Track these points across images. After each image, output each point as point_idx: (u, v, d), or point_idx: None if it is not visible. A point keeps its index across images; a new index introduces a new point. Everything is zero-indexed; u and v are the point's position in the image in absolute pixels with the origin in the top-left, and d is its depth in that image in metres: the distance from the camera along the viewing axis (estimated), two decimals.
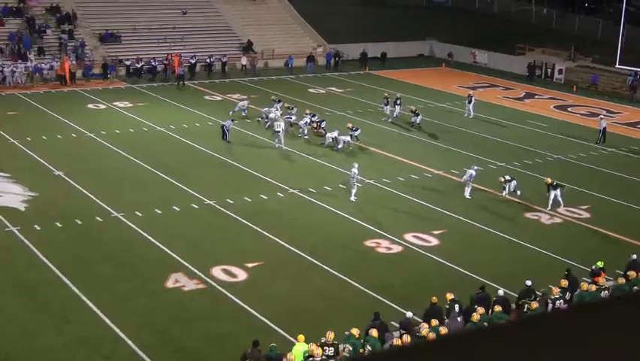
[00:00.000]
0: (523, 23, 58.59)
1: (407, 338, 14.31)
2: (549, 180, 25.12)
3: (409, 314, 15.84)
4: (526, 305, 16.17)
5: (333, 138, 31.26)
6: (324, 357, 13.83)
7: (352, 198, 24.79)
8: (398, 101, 36.35)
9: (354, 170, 24.94)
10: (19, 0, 48.09)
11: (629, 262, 18.66)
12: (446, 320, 15.65)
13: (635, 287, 17.01)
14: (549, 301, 16.27)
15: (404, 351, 2.57)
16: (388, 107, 36.29)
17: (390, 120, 36.04)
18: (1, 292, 18.01)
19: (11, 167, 27.52)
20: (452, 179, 27.84)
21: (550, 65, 50.35)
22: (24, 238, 21.13)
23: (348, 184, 25.17)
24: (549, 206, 24.68)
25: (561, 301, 16.31)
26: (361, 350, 14.09)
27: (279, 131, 30.76)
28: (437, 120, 36.81)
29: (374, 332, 14.45)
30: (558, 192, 24.75)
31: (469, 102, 37.77)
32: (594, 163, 30.81)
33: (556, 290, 16.53)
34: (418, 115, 34.96)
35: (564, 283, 16.93)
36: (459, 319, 15.69)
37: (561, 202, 24.77)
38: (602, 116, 34.86)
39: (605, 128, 33.55)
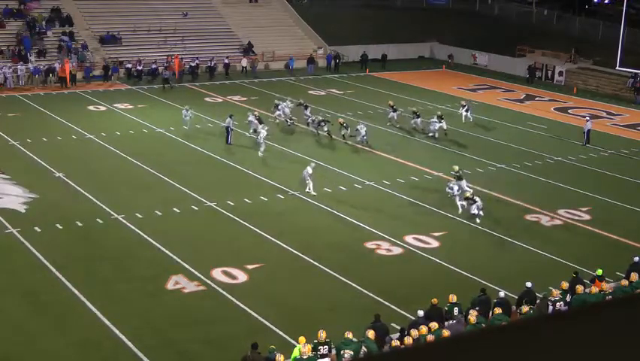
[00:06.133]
0: (523, 25, 58.59)
1: (408, 340, 14.28)
2: (456, 168, 25.61)
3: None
4: (518, 310, 16.15)
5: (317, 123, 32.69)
6: (311, 355, 13.79)
7: (312, 192, 25.25)
8: (394, 107, 36.10)
9: (309, 169, 25.39)
10: (20, 2, 48.16)
11: (631, 264, 18.66)
12: (450, 322, 15.62)
13: (638, 290, 16.98)
14: (549, 303, 16.26)
15: (402, 353, 2.57)
16: (395, 113, 35.73)
17: (388, 124, 35.72)
18: (1, 293, 18.00)
19: (12, 168, 27.53)
20: (452, 181, 27.81)
21: (551, 67, 50.37)
22: (24, 240, 21.13)
23: (302, 182, 25.52)
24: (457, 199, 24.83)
25: (561, 303, 16.30)
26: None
27: (260, 141, 29.86)
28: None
29: (370, 333, 14.41)
30: (463, 183, 24.95)
31: (466, 110, 36.61)
32: (594, 165, 30.79)
33: (556, 292, 16.52)
34: (418, 117, 34.88)
35: (565, 285, 16.91)
36: (463, 321, 15.66)
37: (467, 189, 24.76)
38: (587, 118, 34.88)
39: (589, 130, 33.56)
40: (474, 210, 23.37)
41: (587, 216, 24.61)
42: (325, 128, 32.95)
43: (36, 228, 22.01)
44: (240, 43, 51.62)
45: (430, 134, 33.84)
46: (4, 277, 18.95)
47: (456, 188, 24.39)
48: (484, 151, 31.96)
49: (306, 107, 34.94)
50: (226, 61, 47.94)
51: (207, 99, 41.27)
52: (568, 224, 23.98)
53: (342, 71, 50.76)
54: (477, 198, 23.49)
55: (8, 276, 19.00)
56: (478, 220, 23.29)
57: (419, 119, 34.74)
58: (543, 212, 24.71)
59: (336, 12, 59.50)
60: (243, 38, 51.89)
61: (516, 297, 17.01)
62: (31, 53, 44.59)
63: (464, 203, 23.93)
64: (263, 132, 30.07)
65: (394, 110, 35.72)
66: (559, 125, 37.51)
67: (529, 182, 28.06)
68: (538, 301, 16.62)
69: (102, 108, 38.15)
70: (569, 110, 41.53)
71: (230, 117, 32.13)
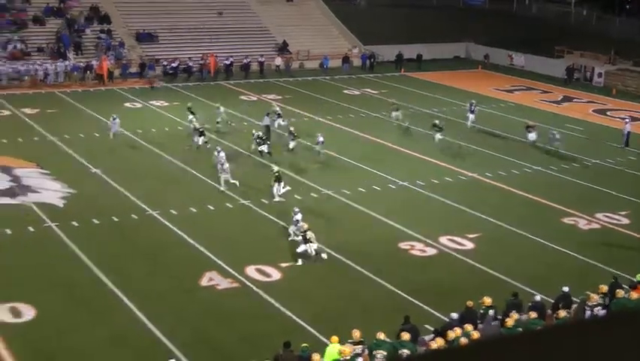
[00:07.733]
0: (562, 25, 57.81)
1: (441, 342, 14.17)
2: (275, 168, 24.90)
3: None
4: (555, 314, 15.92)
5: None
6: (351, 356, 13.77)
7: (235, 182, 25.14)
8: (396, 108, 35.67)
9: (221, 154, 25.38)
10: (60, 0, 48.93)
11: None
12: (480, 325, 15.47)
13: None
14: (586, 308, 15.99)
15: (439, 355, 2.52)
16: (398, 112, 35.37)
17: (394, 124, 35.02)
18: (37, 288, 18.26)
19: (50, 164, 27.94)
20: (486, 182, 27.58)
21: (590, 68, 49.60)
22: (62, 234, 21.45)
23: (217, 170, 25.41)
24: (275, 197, 24.16)
25: (599, 308, 16.02)
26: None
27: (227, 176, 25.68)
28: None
29: (406, 336, 14.31)
30: (281, 186, 24.19)
31: (472, 112, 35.37)
32: (633, 168, 30.23)
33: (594, 297, 16.23)
34: (440, 130, 32.20)
35: (604, 288, 16.60)
36: (493, 324, 15.50)
37: (280, 191, 24.13)
38: (627, 120, 34.29)
39: (629, 133, 32.97)
40: (309, 252, 19.69)
41: (625, 220, 24.17)
42: (264, 148, 28.97)
43: (74, 222, 22.31)
44: (275, 42, 51.76)
45: (554, 148, 31.61)
46: (40, 270, 19.23)
47: (299, 215, 21.11)
48: (519, 153, 31.56)
49: (279, 116, 33.29)
50: (261, 59, 48.06)
51: (242, 97, 41.45)
52: (606, 228, 23.58)
53: (377, 70, 50.60)
54: (309, 237, 19.70)
55: (45, 270, 19.27)
56: (302, 259, 19.83)
57: (438, 135, 32.33)
58: (580, 215, 24.34)
59: (371, 11, 59.35)
60: (278, 37, 52.03)
61: (552, 301, 16.78)
62: (69, 50, 45.28)
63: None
64: (221, 155, 25.94)
65: (396, 110, 34.89)
66: (597, 128, 36.92)
67: (566, 184, 27.66)
68: (574, 306, 16.36)
69: (138, 105, 38.55)
70: (607, 112, 40.86)
71: (267, 115, 32.25)
